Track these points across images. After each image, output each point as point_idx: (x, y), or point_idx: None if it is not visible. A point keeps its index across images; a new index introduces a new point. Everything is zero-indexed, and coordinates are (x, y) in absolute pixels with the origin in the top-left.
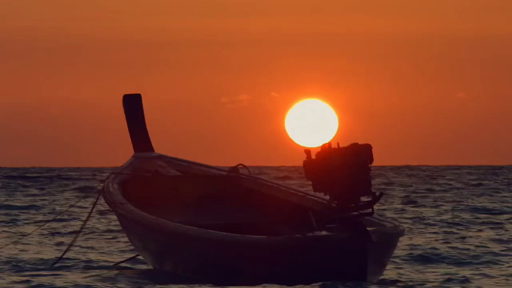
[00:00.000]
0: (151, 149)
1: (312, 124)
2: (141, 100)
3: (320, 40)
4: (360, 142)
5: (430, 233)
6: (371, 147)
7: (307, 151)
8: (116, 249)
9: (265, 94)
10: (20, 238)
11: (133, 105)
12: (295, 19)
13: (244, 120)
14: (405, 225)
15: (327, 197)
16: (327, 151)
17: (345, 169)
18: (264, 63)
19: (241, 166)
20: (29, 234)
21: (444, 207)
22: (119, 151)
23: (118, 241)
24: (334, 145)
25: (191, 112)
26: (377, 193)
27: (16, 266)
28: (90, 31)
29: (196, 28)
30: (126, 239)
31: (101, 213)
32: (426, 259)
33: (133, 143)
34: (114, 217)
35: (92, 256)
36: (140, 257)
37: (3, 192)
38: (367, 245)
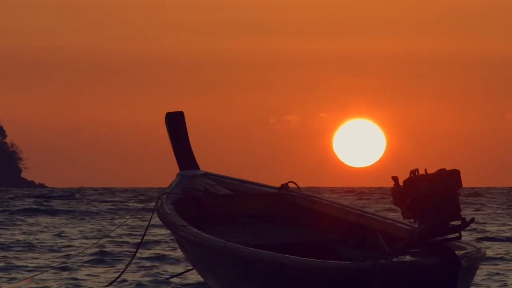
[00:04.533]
0: (196, 166)
1: (359, 144)
2: (184, 118)
3: (369, 61)
4: (408, 162)
5: None
6: (459, 172)
7: (395, 178)
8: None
9: (314, 115)
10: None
11: (176, 123)
12: (344, 40)
13: (292, 140)
14: None
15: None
16: (414, 178)
17: (434, 195)
18: (313, 84)
19: (291, 183)
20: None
21: None
22: (166, 171)
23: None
24: (421, 172)
25: (239, 132)
26: (468, 219)
27: (76, 285)
28: (138, 53)
29: (244, 49)
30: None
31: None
32: None
33: (177, 161)
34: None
35: (146, 271)
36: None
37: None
38: (457, 270)
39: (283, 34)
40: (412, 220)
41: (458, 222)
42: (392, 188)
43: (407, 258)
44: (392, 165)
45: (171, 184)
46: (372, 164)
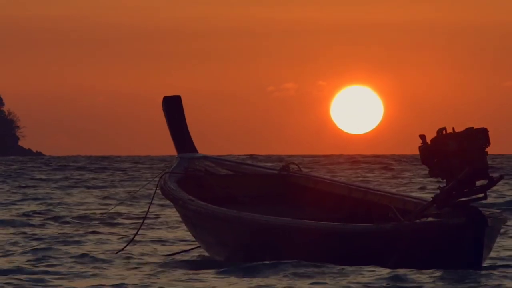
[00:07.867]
0: (194, 149)
1: (357, 111)
2: (181, 101)
3: (367, 29)
4: (406, 129)
5: None
6: (487, 131)
7: (422, 137)
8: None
9: (312, 83)
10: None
11: (173, 107)
12: (342, 8)
13: (290, 108)
14: None
15: (442, 184)
16: (442, 136)
17: (462, 153)
18: (311, 51)
19: (292, 164)
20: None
21: None
22: (163, 139)
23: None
24: (449, 130)
25: (238, 101)
26: (495, 177)
27: (80, 256)
28: (135, 22)
29: (241, 17)
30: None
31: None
32: None
33: (175, 144)
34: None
35: (149, 246)
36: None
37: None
38: (484, 229)
39: (280, 3)
40: (439, 185)
41: (484, 182)
42: (420, 147)
43: (430, 219)
44: (389, 132)
45: (172, 166)
46: (370, 131)
